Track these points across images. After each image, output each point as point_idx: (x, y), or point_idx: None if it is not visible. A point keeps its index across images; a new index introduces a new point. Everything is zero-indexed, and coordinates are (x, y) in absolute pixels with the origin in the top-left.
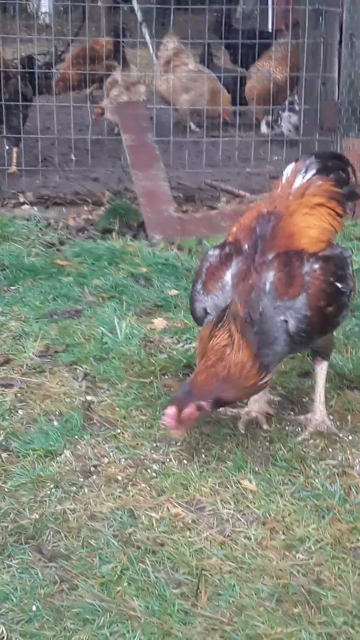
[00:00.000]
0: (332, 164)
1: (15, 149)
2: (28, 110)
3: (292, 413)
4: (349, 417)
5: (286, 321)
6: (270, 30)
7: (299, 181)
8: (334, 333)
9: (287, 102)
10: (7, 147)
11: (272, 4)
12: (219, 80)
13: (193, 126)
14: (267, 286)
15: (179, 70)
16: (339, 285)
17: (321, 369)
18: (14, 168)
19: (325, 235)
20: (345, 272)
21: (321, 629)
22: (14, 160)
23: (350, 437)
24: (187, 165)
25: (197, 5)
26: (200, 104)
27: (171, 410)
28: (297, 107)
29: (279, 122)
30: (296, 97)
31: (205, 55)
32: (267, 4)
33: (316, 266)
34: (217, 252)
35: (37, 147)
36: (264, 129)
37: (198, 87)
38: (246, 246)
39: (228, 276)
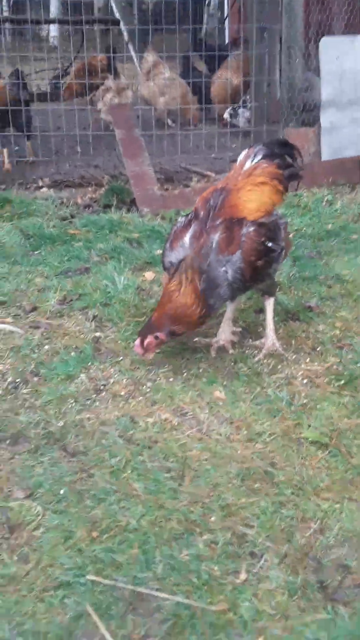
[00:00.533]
0: (278, 150)
1: (28, 143)
2: (30, 112)
3: (250, 340)
4: (293, 342)
5: (226, 271)
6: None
7: (248, 164)
8: (275, 277)
9: (241, 101)
10: (18, 145)
11: (228, 23)
12: (194, 85)
13: (169, 122)
14: (214, 244)
15: (157, 78)
16: (269, 244)
17: (269, 304)
18: (30, 156)
19: (263, 206)
20: (276, 235)
21: (275, 499)
22: (29, 149)
23: (294, 357)
24: (166, 153)
25: (171, 26)
26: (174, 105)
27: (137, 341)
28: (249, 105)
29: (237, 117)
30: (248, 97)
31: (189, 65)
32: (224, 23)
33: (251, 229)
34: (182, 219)
35: (50, 142)
36: (226, 116)
37: (172, 91)
38: (202, 214)
39: (187, 237)
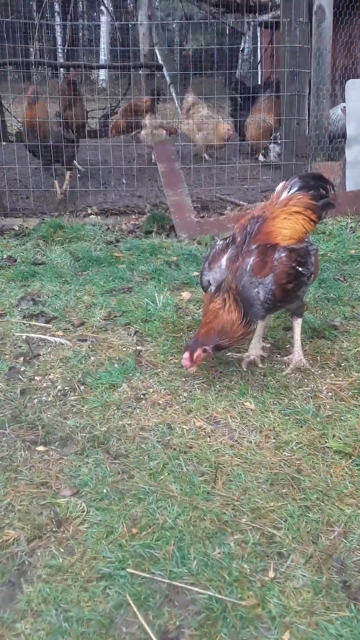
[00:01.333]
0: (313, 183)
1: (68, 172)
2: (74, 149)
3: (279, 355)
4: (318, 358)
5: (259, 292)
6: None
7: (284, 195)
8: (303, 299)
9: (272, 137)
10: (57, 177)
11: (261, 67)
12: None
13: (206, 156)
14: (248, 268)
15: (196, 116)
16: (299, 269)
17: (297, 324)
18: (65, 186)
19: (296, 234)
20: (306, 260)
21: (301, 503)
22: (66, 182)
23: (319, 371)
24: (203, 185)
25: (208, 71)
26: (210, 140)
27: (186, 354)
28: (279, 141)
29: (268, 154)
30: (278, 134)
31: (235, 105)
32: (257, 68)
33: (283, 255)
34: (220, 242)
35: (99, 174)
36: (260, 158)
37: (209, 127)
38: (239, 239)
39: (224, 259)
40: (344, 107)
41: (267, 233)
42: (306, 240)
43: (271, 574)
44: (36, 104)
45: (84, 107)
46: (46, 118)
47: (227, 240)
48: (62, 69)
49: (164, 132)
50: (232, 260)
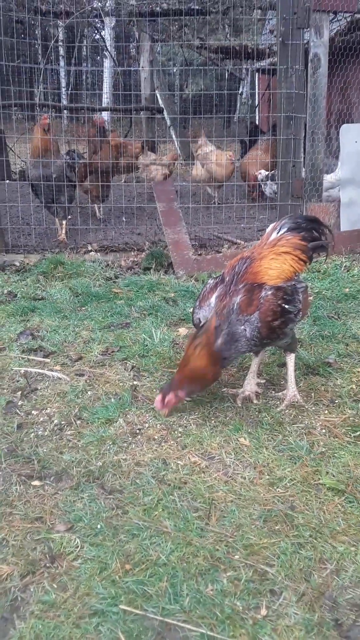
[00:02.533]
0: (304, 225)
1: (64, 222)
2: (74, 192)
3: (273, 391)
4: (312, 394)
5: (245, 329)
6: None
7: (274, 235)
8: (294, 335)
9: (268, 175)
10: (56, 220)
11: (258, 112)
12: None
13: (216, 195)
14: (235, 306)
15: (201, 155)
16: (286, 306)
17: (290, 359)
18: (63, 236)
19: (283, 274)
20: (293, 298)
21: (294, 540)
22: (64, 229)
23: (313, 408)
24: (201, 223)
25: (207, 114)
26: (215, 171)
27: (159, 398)
28: (276, 180)
29: (266, 185)
30: (275, 171)
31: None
32: (255, 112)
33: (269, 293)
34: (211, 281)
35: (99, 212)
36: (260, 177)
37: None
38: (227, 278)
39: (213, 297)
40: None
41: (254, 273)
42: (295, 278)
43: (263, 611)
44: (49, 131)
45: (109, 152)
46: (57, 148)
47: (217, 279)
48: (65, 111)
49: (158, 168)
50: (221, 298)
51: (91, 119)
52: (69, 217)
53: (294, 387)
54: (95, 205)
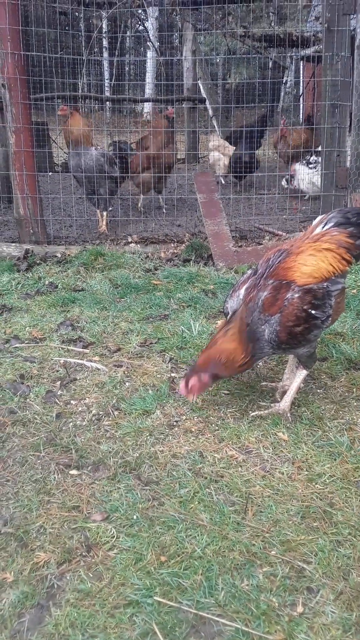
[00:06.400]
0: (355, 219)
1: (105, 213)
2: (115, 185)
3: (313, 386)
4: (354, 389)
5: (264, 330)
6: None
7: (318, 229)
8: (315, 347)
9: (304, 159)
10: (98, 212)
11: (302, 100)
12: None
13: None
14: (259, 302)
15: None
16: (313, 312)
17: (300, 375)
18: (103, 228)
19: (318, 272)
20: (323, 302)
21: (332, 537)
22: (105, 221)
23: (355, 403)
24: (242, 214)
25: (250, 105)
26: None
27: (182, 383)
28: (311, 166)
29: (293, 180)
30: (312, 157)
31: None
32: (299, 101)
33: (296, 296)
34: (249, 272)
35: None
36: (284, 183)
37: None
38: (259, 271)
39: (243, 289)
40: None
41: (285, 268)
42: (332, 279)
43: (300, 608)
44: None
45: (174, 143)
46: (88, 139)
47: (250, 272)
48: (108, 102)
49: (221, 157)
50: (249, 291)
51: (163, 110)
52: (110, 208)
53: (289, 403)
54: (141, 196)
